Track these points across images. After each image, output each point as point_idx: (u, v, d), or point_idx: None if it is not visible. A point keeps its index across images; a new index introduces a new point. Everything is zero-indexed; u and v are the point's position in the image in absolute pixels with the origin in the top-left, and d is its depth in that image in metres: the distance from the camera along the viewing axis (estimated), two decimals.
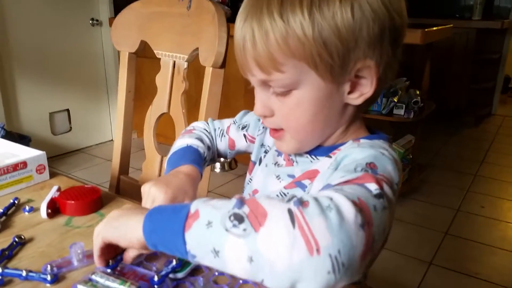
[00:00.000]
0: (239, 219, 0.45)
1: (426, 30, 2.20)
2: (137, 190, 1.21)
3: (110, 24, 3.26)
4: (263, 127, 0.81)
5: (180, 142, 0.82)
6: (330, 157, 0.64)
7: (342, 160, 0.58)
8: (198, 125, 0.89)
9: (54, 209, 0.79)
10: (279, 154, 0.74)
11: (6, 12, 2.78)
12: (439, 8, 4.44)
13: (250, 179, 0.80)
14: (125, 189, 1.29)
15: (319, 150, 0.67)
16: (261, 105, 0.63)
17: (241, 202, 0.46)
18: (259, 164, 0.79)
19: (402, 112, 2.41)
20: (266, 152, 0.79)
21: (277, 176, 0.72)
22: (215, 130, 0.89)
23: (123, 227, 0.56)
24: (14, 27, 2.84)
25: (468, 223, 2.40)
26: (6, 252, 0.66)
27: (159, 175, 1.21)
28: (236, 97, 2.87)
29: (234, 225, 0.44)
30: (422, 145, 2.85)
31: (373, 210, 0.47)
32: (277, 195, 0.69)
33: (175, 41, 1.14)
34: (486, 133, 4.01)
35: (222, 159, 3.05)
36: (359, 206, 0.46)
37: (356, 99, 0.61)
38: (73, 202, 0.79)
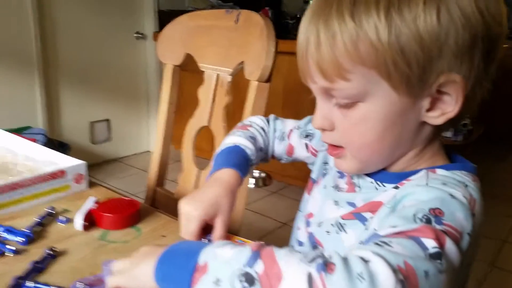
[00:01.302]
0: (250, 281, 0.39)
1: None
2: (172, 203, 1.18)
3: (155, 38, 3.31)
4: None
5: (230, 140, 0.76)
6: (398, 188, 0.55)
7: (402, 199, 0.50)
8: (256, 122, 0.82)
9: (90, 221, 0.76)
10: (342, 176, 0.66)
11: (56, 22, 2.87)
12: None
13: (307, 200, 0.73)
14: (161, 201, 1.26)
15: (387, 175, 0.58)
16: (321, 117, 0.56)
17: (256, 257, 0.41)
18: (315, 181, 0.71)
19: (450, 134, 2.31)
20: (325, 170, 0.71)
21: (335, 202, 0.64)
22: (275, 130, 0.81)
23: (138, 276, 0.51)
24: (62, 38, 2.91)
25: None
26: (38, 265, 0.63)
27: (195, 188, 1.18)
28: (274, 111, 2.82)
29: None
30: None
31: (423, 276, 0.40)
32: (332, 225, 0.62)
33: (220, 54, 1.12)
34: None
35: (257, 175, 3.02)
36: (404, 273, 0.38)
37: (436, 118, 0.52)
38: (110, 215, 0.75)
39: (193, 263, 0.44)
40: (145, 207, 0.85)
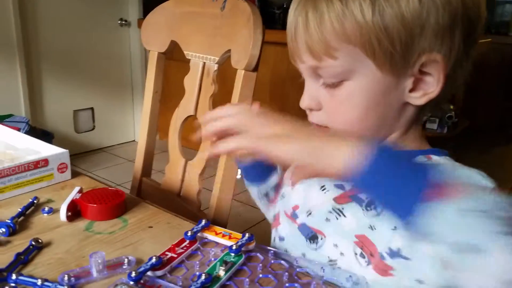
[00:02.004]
0: None
1: None
2: (159, 193, 1.17)
3: (139, 25, 3.27)
4: None
5: None
6: None
7: None
8: None
9: (75, 212, 0.75)
10: None
11: (37, 10, 2.80)
12: None
13: (283, 195, 0.74)
14: (147, 192, 1.25)
15: None
16: (309, 97, 0.58)
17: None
18: None
19: (435, 126, 2.33)
20: None
21: (321, 187, 0.64)
22: None
23: (325, 150, 0.44)
24: (44, 25, 2.86)
25: None
26: (22, 257, 0.61)
27: (182, 179, 1.17)
28: (261, 102, 2.81)
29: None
30: None
31: None
32: (330, 212, 0.61)
33: (206, 42, 1.10)
34: None
35: None
36: None
37: (418, 98, 0.54)
38: (95, 205, 0.74)
39: (431, 176, 0.39)
40: (131, 198, 0.83)
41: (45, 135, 2.63)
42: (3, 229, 0.68)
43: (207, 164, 1.10)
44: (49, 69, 2.94)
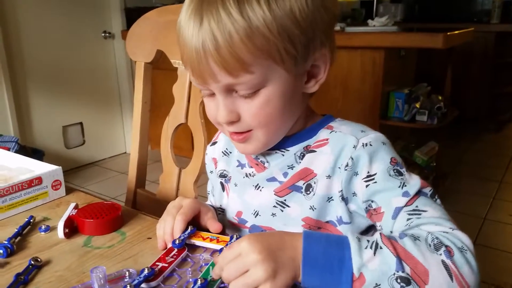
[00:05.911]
0: (406, 281, 0.48)
1: (448, 34, 2.13)
2: (154, 203, 1.16)
3: (123, 36, 3.25)
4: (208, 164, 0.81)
5: None
6: (314, 151, 0.64)
7: (357, 163, 0.59)
8: None
9: (72, 228, 0.74)
10: (241, 166, 0.72)
11: (20, 27, 2.78)
12: (456, 12, 4.37)
13: (221, 208, 0.77)
14: (142, 203, 1.24)
15: (284, 140, 0.66)
16: (228, 111, 0.60)
17: (400, 261, 0.48)
18: (223, 190, 0.77)
19: (425, 118, 2.33)
20: (224, 176, 0.76)
21: (255, 186, 0.69)
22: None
23: (279, 273, 0.50)
24: (27, 41, 2.83)
25: (496, 232, 2.31)
26: (22, 277, 0.60)
27: (177, 187, 1.16)
28: None
29: (402, 287, 0.48)
30: (445, 152, 2.76)
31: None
32: (274, 207, 0.66)
33: None
34: (508, 139, 3.90)
35: None
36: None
37: (312, 87, 0.63)
38: (92, 220, 0.73)
39: (348, 274, 0.49)
40: (128, 210, 0.83)
41: (36, 153, 2.60)
42: (1, 251, 0.67)
43: (201, 171, 1.10)
44: (35, 86, 2.92)
